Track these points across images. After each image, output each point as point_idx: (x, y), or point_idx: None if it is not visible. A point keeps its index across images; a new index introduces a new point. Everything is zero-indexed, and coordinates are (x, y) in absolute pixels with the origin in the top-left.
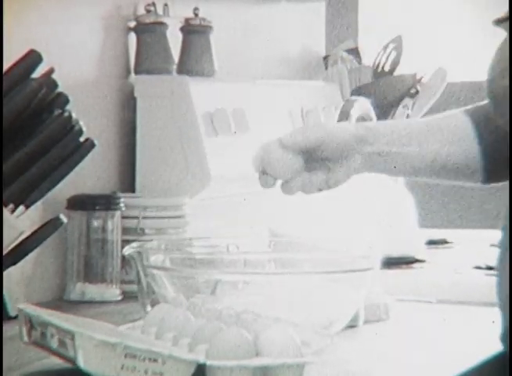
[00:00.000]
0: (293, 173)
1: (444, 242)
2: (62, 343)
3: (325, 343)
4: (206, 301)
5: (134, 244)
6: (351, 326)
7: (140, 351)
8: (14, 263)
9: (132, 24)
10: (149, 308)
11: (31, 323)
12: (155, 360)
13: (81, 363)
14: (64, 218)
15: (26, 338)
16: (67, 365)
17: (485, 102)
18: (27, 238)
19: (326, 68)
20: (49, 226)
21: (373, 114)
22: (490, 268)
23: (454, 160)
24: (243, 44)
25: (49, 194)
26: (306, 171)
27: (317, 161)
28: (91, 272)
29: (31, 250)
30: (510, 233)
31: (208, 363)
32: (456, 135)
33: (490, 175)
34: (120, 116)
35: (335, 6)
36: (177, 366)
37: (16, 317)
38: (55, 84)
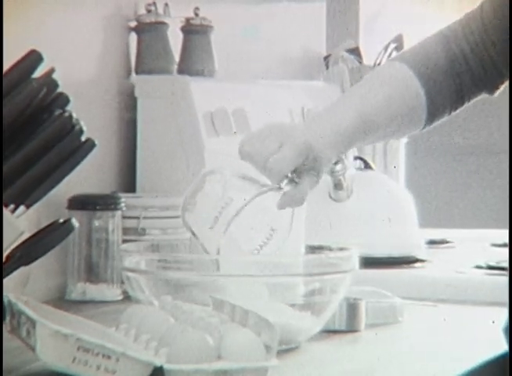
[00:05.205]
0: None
1: (444, 242)
2: (28, 332)
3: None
4: (177, 300)
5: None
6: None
7: (93, 345)
8: (18, 268)
9: (133, 24)
10: None
11: (12, 311)
12: (108, 357)
13: (38, 353)
14: (76, 223)
15: (9, 327)
16: None
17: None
18: (37, 241)
19: (327, 68)
20: (62, 231)
21: None
22: (491, 267)
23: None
24: (243, 44)
25: (50, 194)
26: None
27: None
28: (92, 272)
29: (43, 254)
30: (509, 233)
31: (165, 366)
32: (402, 84)
33: (429, 117)
34: (120, 116)
35: (335, 6)
36: (131, 366)
37: None
38: (55, 84)
